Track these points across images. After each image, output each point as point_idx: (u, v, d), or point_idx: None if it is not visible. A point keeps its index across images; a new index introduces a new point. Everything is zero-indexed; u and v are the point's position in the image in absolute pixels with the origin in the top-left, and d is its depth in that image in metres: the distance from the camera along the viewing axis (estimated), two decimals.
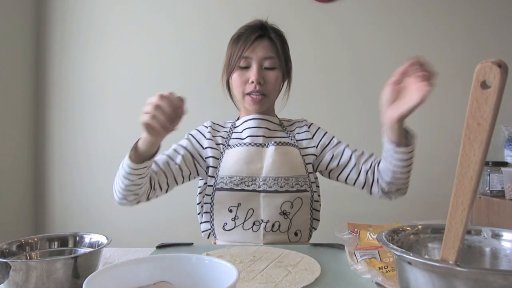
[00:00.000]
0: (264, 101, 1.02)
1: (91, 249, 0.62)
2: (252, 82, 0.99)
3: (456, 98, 1.94)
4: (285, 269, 0.63)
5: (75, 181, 1.99)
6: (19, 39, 1.87)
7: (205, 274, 0.46)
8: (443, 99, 1.96)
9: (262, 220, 0.94)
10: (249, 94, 1.01)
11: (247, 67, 1.01)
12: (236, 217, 0.95)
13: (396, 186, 0.96)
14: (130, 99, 2.00)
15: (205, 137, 1.05)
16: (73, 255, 0.62)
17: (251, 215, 0.94)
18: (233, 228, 0.95)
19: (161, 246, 0.83)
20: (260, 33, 1.02)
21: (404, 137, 0.86)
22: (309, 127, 1.08)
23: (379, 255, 0.66)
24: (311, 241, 1.02)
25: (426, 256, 0.51)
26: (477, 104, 0.32)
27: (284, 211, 0.94)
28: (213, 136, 1.05)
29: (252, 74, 0.99)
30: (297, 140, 1.04)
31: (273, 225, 0.94)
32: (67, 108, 2.00)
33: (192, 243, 0.86)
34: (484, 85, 0.32)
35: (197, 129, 1.09)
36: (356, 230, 0.91)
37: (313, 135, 1.07)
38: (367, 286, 0.59)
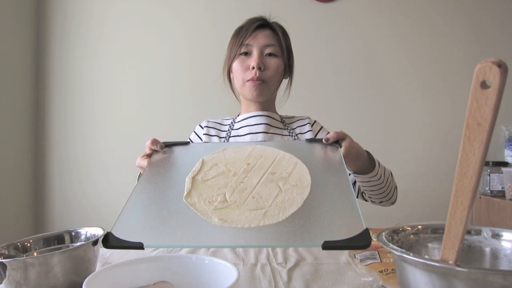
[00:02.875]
0: (263, 88, 0.99)
1: (85, 242, 0.62)
2: (253, 68, 0.97)
3: (456, 98, 1.94)
4: (276, 185, 0.63)
5: (75, 181, 1.99)
6: (19, 39, 1.87)
7: (205, 274, 0.46)
8: (443, 99, 1.96)
9: None
10: (249, 80, 0.99)
11: (247, 53, 0.99)
12: None
13: (377, 200, 0.99)
14: (130, 99, 2.00)
15: (201, 140, 1.06)
16: (69, 248, 0.62)
17: None
18: None
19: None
20: (262, 22, 1.01)
21: (364, 164, 0.87)
22: (312, 125, 1.07)
23: (379, 255, 0.66)
24: None
25: (426, 256, 0.51)
26: (477, 104, 0.32)
27: None
28: (209, 137, 1.05)
29: (253, 60, 0.97)
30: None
31: None
32: (67, 108, 2.00)
33: (189, 142, 0.84)
34: (484, 85, 0.32)
35: (194, 132, 1.09)
36: None
37: (316, 134, 1.05)
38: (354, 212, 0.55)
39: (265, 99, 1.02)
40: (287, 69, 1.05)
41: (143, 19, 2.00)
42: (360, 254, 0.69)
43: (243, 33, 0.99)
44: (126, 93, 2.00)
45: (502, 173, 1.66)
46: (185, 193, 0.62)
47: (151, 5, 2.00)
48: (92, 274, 0.41)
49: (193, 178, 0.66)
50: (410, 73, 1.96)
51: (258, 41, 0.98)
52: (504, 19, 1.95)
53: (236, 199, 0.60)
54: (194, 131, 1.09)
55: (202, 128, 1.07)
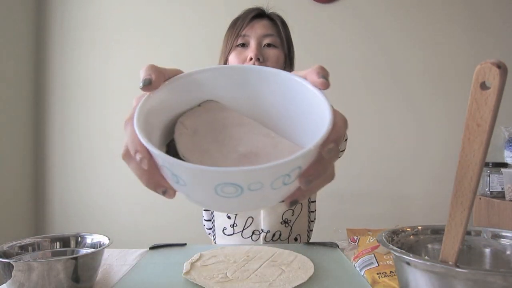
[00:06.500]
0: None
1: (93, 250, 0.63)
2: (251, 59, 0.89)
3: (456, 99, 1.94)
4: (278, 268, 0.64)
5: (75, 182, 1.99)
6: (19, 39, 1.87)
7: (288, 99, 0.38)
8: (443, 100, 1.96)
9: (262, 230, 0.91)
10: None
11: (244, 45, 0.93)
12: (235, 225, 0.91)
13: None
14: (131, 100, 2.00)
15: None
16: (75, 255, 0.63)
17: (251, 224, 0.91)
18: (232, 234, 0.92)
19: (154, 247, 0.83)
20: (259, 12, 0.95)
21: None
22: None
23: (376, 259, 0.66)
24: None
25: (426, 257, 0.51)
26: (476, 105, 0.32)
27: (286, 220, 0.91)
28: None
29: (251, 50, 0.90)
30: None
31: (273, 235, 0.91)
32: (68, 108, 2.00)
33: (186, 244, 0.84)
34: (483, 86, 0.32)
35: None
36: (355, 238, 0.90)
37: None
38: (361, 284, 0.59)
39: None
40: (288, 62, 0.99)
41: (144, 18, 2.00)
42: (358, 262, 0.68)
43: (239, 23, 0.92)
44: (127, 93, 2.00)
45: (502, 174, 1.66)
46: (184, 271, 0.62)
47: (152, 4, 2.00)
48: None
49: (192, 264, 0.66)
50: (410, 74, 1.96)
51: (255, 31, 0.91)
52: (504, 20, 1.95)
53: (238, 276, 0.60)
54: None
55: None
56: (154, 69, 0.36)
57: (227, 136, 0.37)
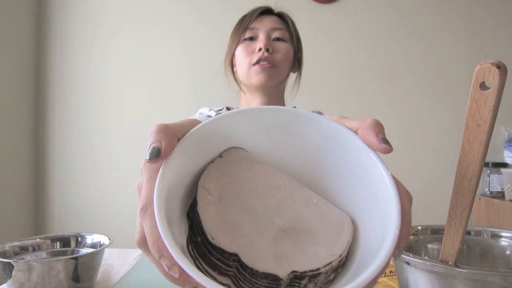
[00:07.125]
0: (272, 71, 0.86)
1: (93, 250, 0.63)
2: (260, 49, 0.86)
3: (456, 99, 1.94)
4: None
5: (75, 182, 1.99)
6: (19, 39, 1.87)
7: (332, 153, 0.31)
8: (443, 100, 1.96)
9: None
10: (255, 64, 0.86)
11: (252, 39, 0.89)
12: None
13: None
14: (131, 100, 2.00)
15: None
16: (75, 255, 0.63)
17: None
18: None
19: None
20: (267, 8, 0.94)
21: None
22: None
23: None
24: None
25: (426, 257, 0.51)
26: (476, 105, 0.32)
27: None
28: None
29: (260, 41, 0.87)
30: None
31: None
32: (68, 108, 2.00)
33: None
34: (483, 86, 0.32)
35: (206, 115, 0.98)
36: None
37: None
38: None
39: (274, 84, 0.89)
40: (296, 62, 0.96)
41: (145, 18, 2.00)
42: None
43: (247, 18, 0.91)
44: (128, 94, 2.00)
45: (502, 174, 1.66)
46: None
47: (152, 5, 2.00)
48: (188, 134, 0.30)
49: None
50: (410, 74, 1.96)
51: (264, 25, 0.89)
52: (504, 20, 1.95)
53: None
54: (207, 115, 0.97)
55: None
56: (164, 133, 0.28)
57: (259, 203, 0.30)
